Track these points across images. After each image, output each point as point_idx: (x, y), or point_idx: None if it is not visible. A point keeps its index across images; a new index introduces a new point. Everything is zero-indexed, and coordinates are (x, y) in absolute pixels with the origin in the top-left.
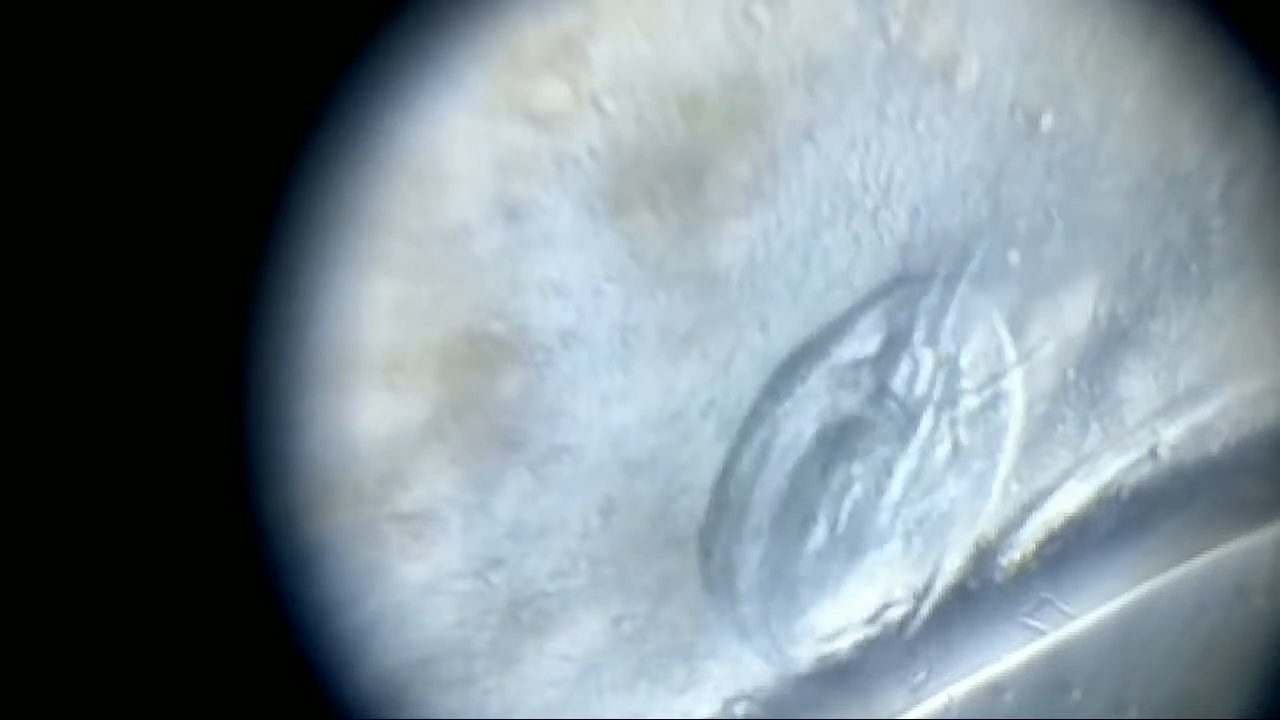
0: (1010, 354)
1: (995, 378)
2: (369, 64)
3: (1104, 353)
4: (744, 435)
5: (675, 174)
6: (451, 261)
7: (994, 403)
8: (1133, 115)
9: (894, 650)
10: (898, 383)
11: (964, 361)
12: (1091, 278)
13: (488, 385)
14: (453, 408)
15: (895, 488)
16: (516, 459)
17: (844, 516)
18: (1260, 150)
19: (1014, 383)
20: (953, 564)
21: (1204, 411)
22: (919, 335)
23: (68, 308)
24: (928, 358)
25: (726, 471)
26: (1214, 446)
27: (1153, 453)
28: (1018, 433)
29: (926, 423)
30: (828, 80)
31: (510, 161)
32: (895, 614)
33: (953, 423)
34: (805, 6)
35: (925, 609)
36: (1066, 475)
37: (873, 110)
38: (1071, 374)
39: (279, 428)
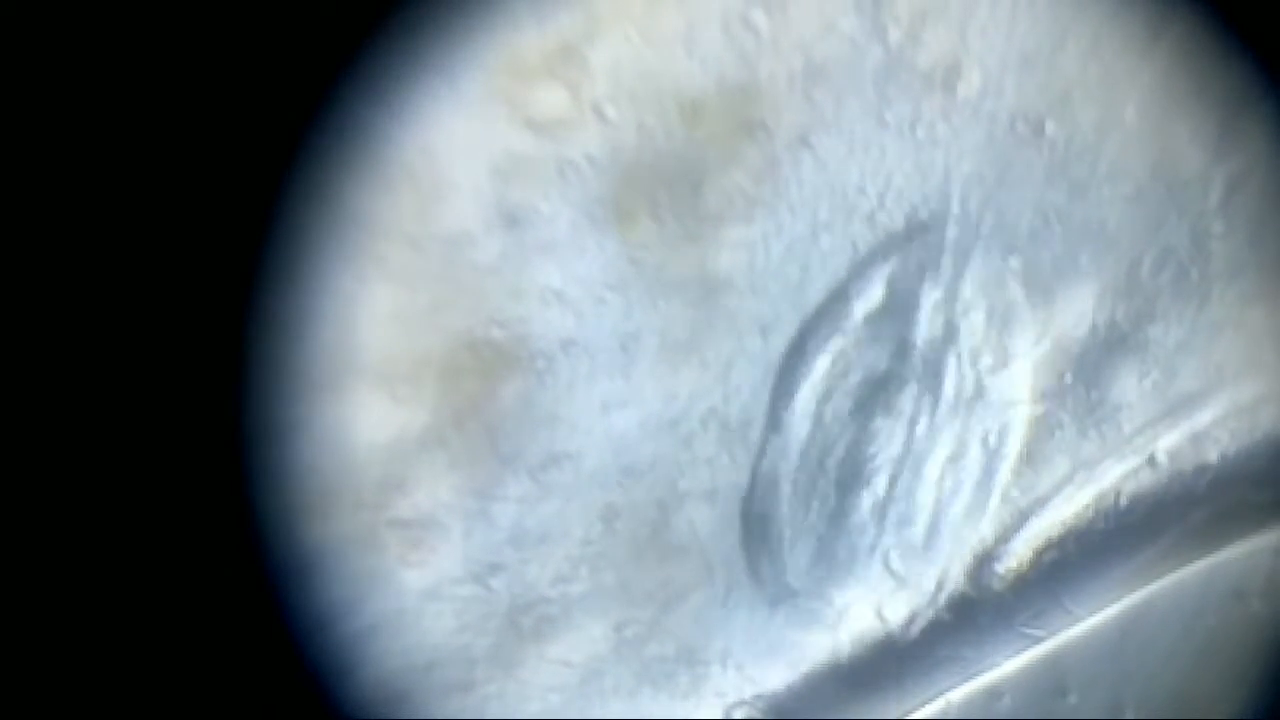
0: (1011, 356)
1: (998, 378)
2: (368, 69)
3: (1102, 358)
4: (769, 419)
5: (675, 181)
6: (451, 268)
7: (998, 402)
8: (1133, 122)
9: (894, 654)
10: (907, 367)
11: (967, 360)
12: (1091, 283)
13: (488, 392)
14: (453, 414)
15: (923, 442)
16: (516, 465)
17: (881, 478)
18: (1260, 157)
19: (1016, 384)
20: (955, 570)
21: (1202, 418)
22: (921, 332)
23: (66, 313)
24: (933, 352)
25: (761, 446)
26: (1212, 453)
27: (1151, 460)
28: (1019, 434)
29: (940, 407)
30: (827, 87)
31: (510, 168)
32: (900, 617)
33: (960, 408)
34: (804, 13)
35: (929, 614)
36: (1064, 482)
37: (872, 117)
38: (1069, 379)
39: (278, 434)
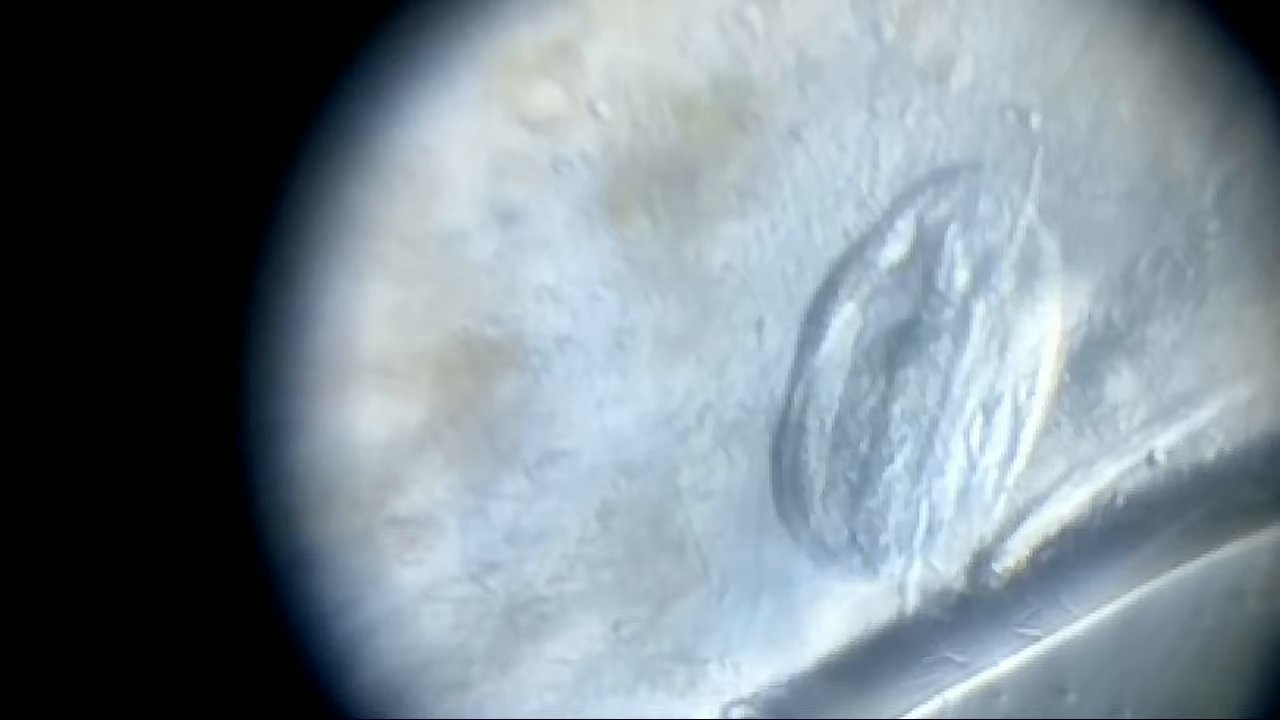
0: (1009, 356)
1: (996, 378)
2: (364, 68)
3: (1099, 357)
4: (796, 366)
5: (669, 177)
6: (447, 266)
7: (996, 402)
8: (1128, 119)
9: (892, 653)
10: (909, 365)
11: (967, 360)
12: (1086, 282)
13: (483, 389)
14: (448, 412)
15: (955, 391)
16: (512, 463)
17: (913, 427)
18: (1256, 155)
19: (1014, 385)
20: (952, 569)
21: (1199, 417)
22: (923, 329)
23: (65, 313)
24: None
25: (788, 396)
26: (1209, 452)
27: (1147, 459)
28: (1025, 433)
29: (938, 419)
30: (821, 82)
31: (505, 165)
32: (898, 615)
33: (961, 410)
34: (798, 9)
35: (926, 613)
36: (1061, 481)
37: (865, 111)
38: (1066, 378)
39: (275, 433)
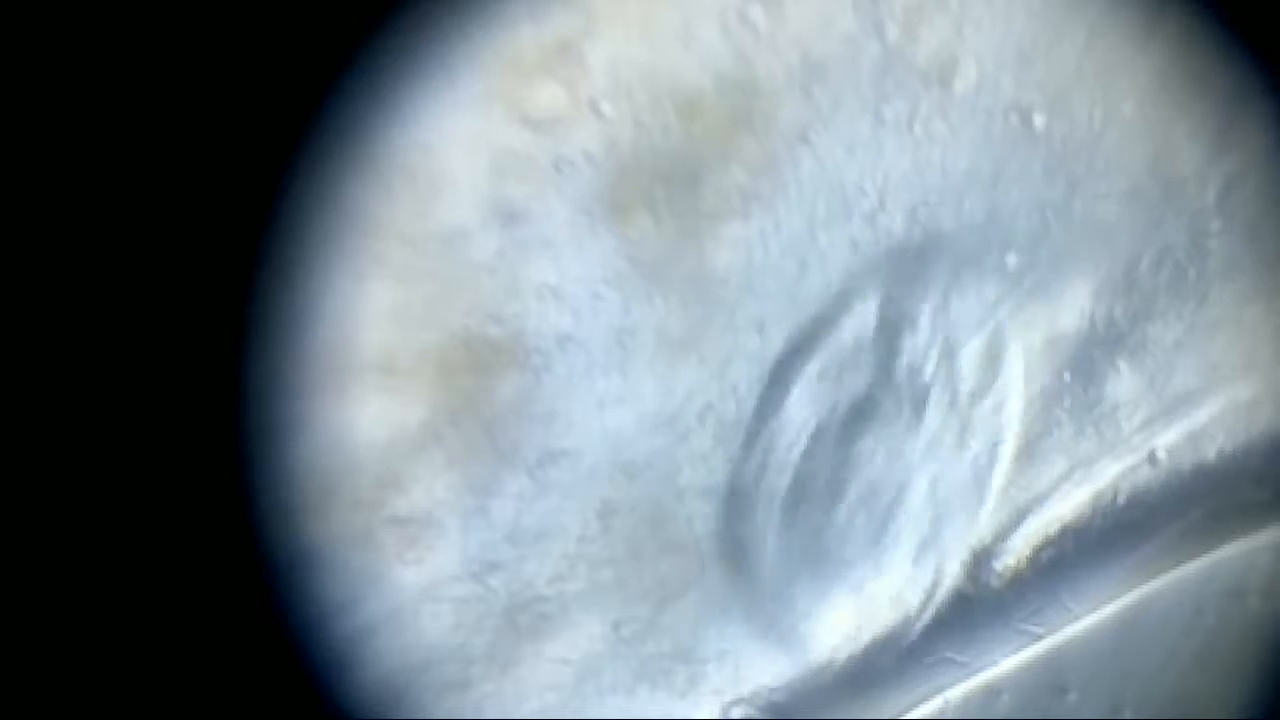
0: (1008, 355)
1: (994, 376)
2: (366, 67)
3: (1100, 356)
4: (753, 426)
5: (672, 177)
6: (448, 265)
7: (993, 400)
8: (1130, 119)
9: (892, 652)
10: (901, 365)
11: (964, 359)
12: (1088, 281)
13: (484, 389)
14: (449, 411)
15: (907, 467)
16: (513, 463)
17: (861, 501)
18: (1258, 155)
19: (1012, 382)
20: (952, 568)
21: (1200, 416)
22: (918, 328)
23: (65, 312)
24: (929, 351)
25: (739, 462)
26: (1210, 452)
27: (1148, 458)
28: (1016, 431)
29: (933, 407)
30: (824, 83)
31: (507, 165)
32: (898, 615)
33: (956, 407)
34: (802, 10)
35: (926, 612)
36: (1062, 480)
37: (869, 113)
38: (1067, 377)
39: (276, 432)
